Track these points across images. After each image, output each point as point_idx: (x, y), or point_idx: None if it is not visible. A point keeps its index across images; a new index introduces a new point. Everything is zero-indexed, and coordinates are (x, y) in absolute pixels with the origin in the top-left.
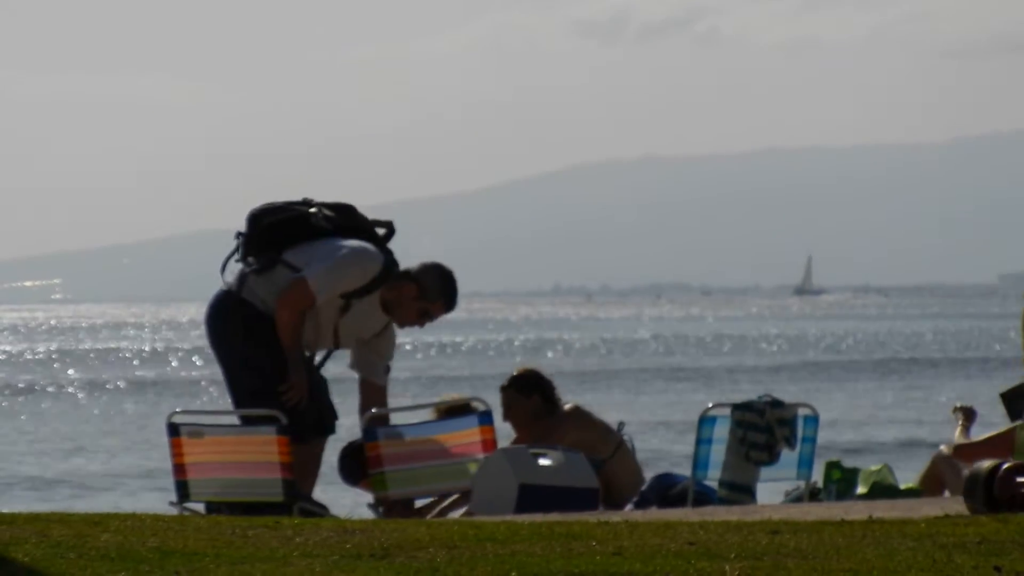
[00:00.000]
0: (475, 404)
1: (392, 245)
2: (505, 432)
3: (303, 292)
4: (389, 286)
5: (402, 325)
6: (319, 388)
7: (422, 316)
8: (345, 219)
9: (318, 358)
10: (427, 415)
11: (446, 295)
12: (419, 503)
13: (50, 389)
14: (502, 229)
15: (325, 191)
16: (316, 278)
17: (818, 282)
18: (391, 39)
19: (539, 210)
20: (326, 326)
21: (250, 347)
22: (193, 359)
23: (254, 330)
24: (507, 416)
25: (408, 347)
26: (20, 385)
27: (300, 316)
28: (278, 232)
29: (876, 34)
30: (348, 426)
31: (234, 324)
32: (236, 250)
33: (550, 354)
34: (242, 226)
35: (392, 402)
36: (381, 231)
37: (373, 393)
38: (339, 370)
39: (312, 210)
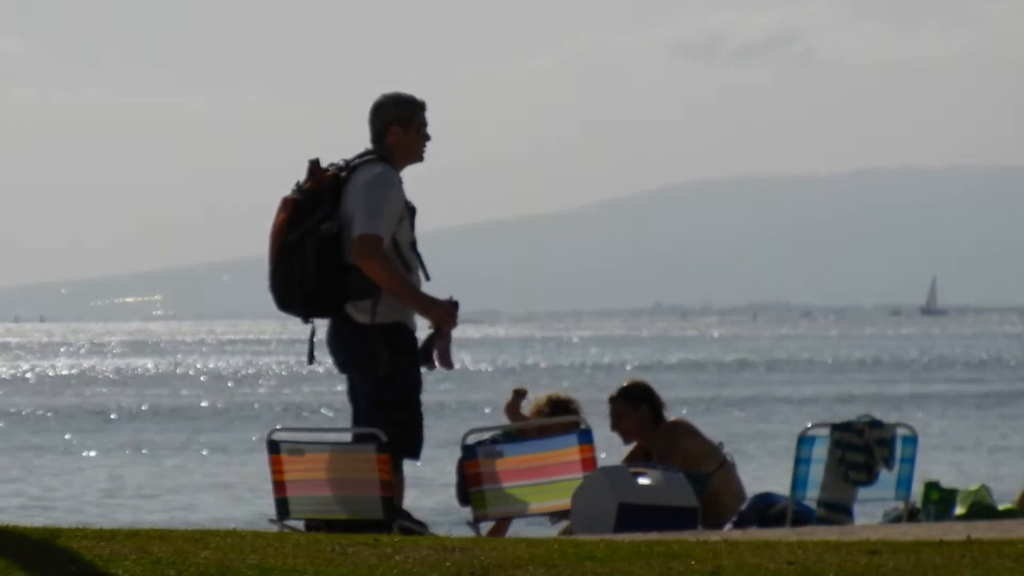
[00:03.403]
0: (574, 419)
1: (492, 262)
2: (606, 447)
3: (370, 244)
4: (385, 153)
5: (420, 156)
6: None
7: (421, 132)
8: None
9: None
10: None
11: (410, 102)
12: None
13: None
14: (601, 248)
15: (422, 210)
16: (368, 223)
17: (914, 302)
18: (483, 60)
19: (637, 230)
20: (410, 256)
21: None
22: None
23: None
24: (615, 426)
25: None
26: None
27: (386, 259)
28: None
29: (971, 54)
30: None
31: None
32: None
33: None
34: None
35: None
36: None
37: None
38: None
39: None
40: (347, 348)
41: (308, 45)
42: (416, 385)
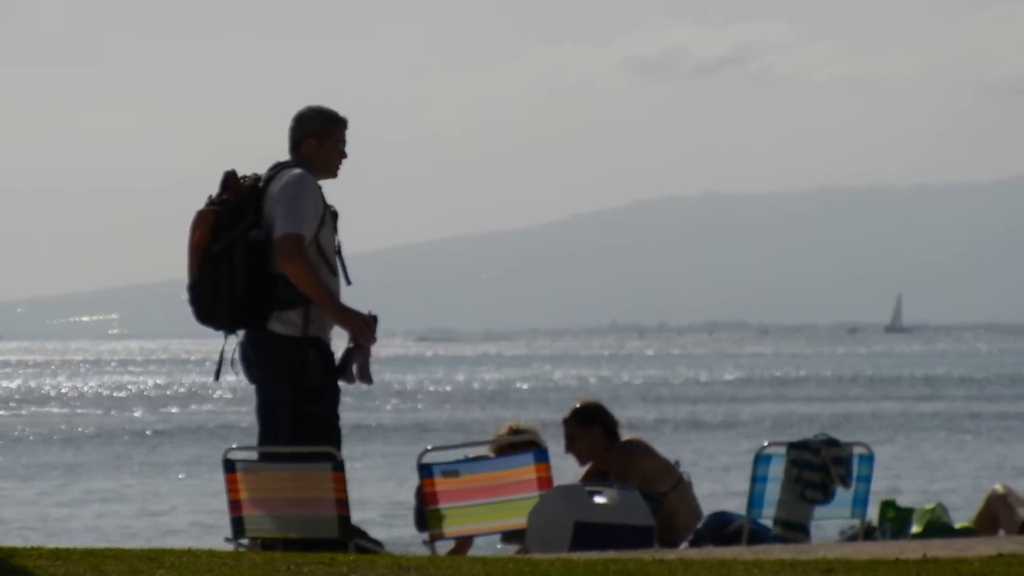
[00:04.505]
0: (531, 436)
1: (455, 280)
2: (562, 468)
3: (292, 243)
4: (300, 163)
5: (334, 172)
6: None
7: (338, 148)
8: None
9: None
10: (484, 450)
11: (331, 116)
12: None
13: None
14: (561, 265)
15: (383, 226)
16: (288, 223)
17: (870, 320)
18: (449, 75)
19: (599, 246)
20: (334, 260)
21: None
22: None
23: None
24: (569, 448)
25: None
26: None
27: (308, 261)
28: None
29: (933, 72)
30: None
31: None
32: None
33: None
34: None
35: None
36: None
37: None
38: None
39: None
40: (267, 360)
41: (270, 60)
42: (336, 400)
